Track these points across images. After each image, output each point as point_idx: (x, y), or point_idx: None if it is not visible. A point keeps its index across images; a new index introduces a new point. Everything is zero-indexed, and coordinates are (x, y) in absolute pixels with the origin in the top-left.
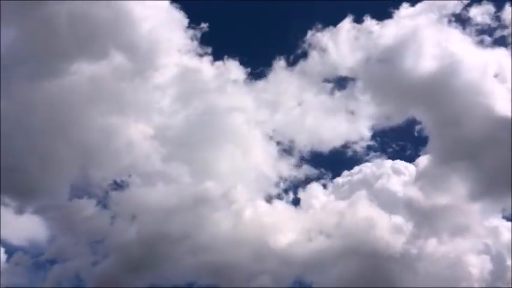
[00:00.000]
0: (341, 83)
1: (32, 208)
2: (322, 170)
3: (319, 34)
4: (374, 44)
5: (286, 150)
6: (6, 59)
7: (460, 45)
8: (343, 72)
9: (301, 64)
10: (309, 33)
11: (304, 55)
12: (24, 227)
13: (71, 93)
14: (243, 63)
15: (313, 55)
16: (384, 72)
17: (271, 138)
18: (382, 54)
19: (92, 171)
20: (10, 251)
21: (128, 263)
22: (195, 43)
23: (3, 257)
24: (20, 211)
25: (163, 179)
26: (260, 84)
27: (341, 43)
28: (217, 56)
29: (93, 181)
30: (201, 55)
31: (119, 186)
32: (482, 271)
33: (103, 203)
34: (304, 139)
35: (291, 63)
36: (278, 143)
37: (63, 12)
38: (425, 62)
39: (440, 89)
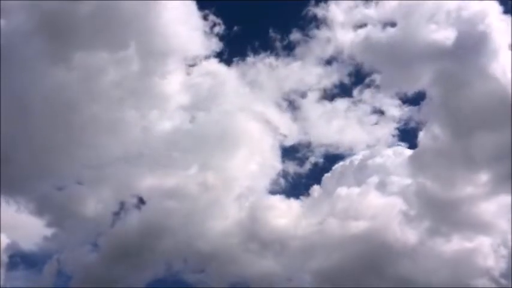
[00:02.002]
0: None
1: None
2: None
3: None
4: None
5: (295, 144)
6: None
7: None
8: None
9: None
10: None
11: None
12: (21, 221)
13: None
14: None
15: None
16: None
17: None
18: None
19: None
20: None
21: (122, 253)
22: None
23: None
24: (18, 207)
25: (169, 170)
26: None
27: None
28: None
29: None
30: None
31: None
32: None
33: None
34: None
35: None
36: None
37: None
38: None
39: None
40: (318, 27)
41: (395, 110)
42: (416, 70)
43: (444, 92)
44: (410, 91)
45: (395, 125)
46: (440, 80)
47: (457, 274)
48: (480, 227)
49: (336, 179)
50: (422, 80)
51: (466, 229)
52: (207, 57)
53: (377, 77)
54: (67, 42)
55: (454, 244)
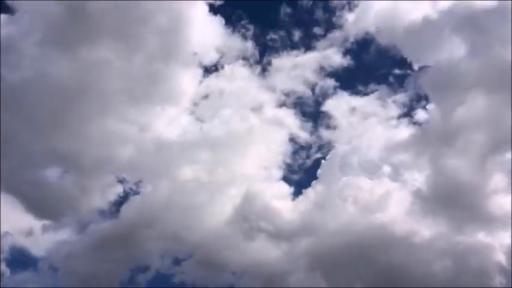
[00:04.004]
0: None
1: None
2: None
3: None
4: None
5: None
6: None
7: None
8: None
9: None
10: None
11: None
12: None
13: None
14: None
15: None
16: None
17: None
18: None
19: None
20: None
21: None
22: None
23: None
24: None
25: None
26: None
27: None
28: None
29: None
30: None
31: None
32: None
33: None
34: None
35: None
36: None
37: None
38: None
39: None
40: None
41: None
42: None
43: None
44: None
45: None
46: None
47: (469, 270)
48: (502, 221)
49: (337, 167)
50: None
51: (485, 223)
52: (224, 60)
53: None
54: (79, 34)
55: (470, 238)
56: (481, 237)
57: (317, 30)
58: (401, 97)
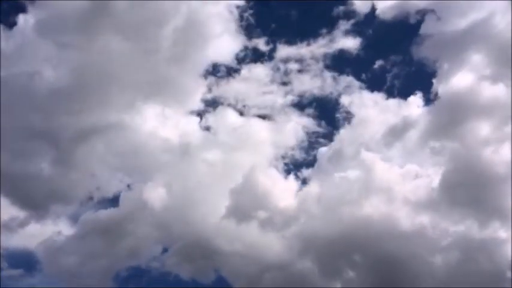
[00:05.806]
0: None
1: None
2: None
3: None
4: None
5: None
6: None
7: None
8: None
9: None
10: None
11: None
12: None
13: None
14: None
15: None
16: None
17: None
18: None
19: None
20: None
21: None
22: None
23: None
24: None
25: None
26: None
27: None
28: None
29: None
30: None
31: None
32: None
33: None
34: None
35: None
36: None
37: None
38: None
39: None
40: None
41: None
42: None
43: None
44: None
45: None
46: None
47: (479, 266)
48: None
49: (340, 157)
50: None
51: (500, 217)
52: (237, 60)
53: None
54: (90, 30)
55: (482, 232)
56: (494, 232)
57: (324, 23)
58: (415, 75)
